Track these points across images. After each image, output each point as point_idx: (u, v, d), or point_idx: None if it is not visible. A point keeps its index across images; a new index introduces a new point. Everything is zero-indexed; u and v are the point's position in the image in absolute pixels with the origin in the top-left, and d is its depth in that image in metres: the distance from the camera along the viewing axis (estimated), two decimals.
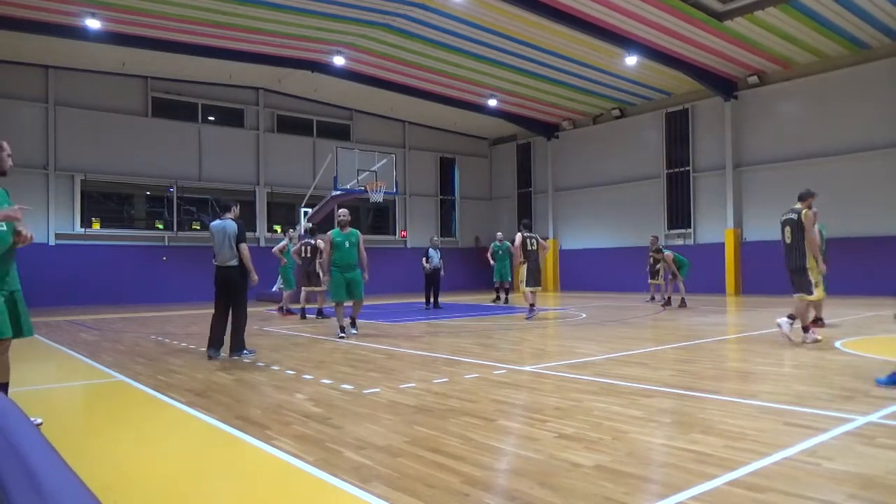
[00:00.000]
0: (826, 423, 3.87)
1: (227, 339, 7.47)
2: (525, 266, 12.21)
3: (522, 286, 12.30)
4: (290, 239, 13.79)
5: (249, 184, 22.29)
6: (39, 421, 4.44)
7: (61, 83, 18.99)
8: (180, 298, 19.84)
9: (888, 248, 16.55)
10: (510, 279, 17.18)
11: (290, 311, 13.72)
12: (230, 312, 7.44)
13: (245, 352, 7.50)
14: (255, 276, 7.46)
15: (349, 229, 9.34)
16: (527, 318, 11.97)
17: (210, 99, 21.67)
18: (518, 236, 12.27)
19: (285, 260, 13.53)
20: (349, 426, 4.07)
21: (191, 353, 7.95)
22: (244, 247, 7.39)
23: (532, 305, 12.26)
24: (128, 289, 19.24)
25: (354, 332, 9.50)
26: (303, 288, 13.13)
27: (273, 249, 13.93)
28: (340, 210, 9.52)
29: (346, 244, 9.21)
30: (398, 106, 23.85)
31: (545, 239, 25.37)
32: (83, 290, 18.55)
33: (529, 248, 12.22)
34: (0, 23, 15.54)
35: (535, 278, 12.22)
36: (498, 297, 17.34)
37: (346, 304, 9.46)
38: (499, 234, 18.28)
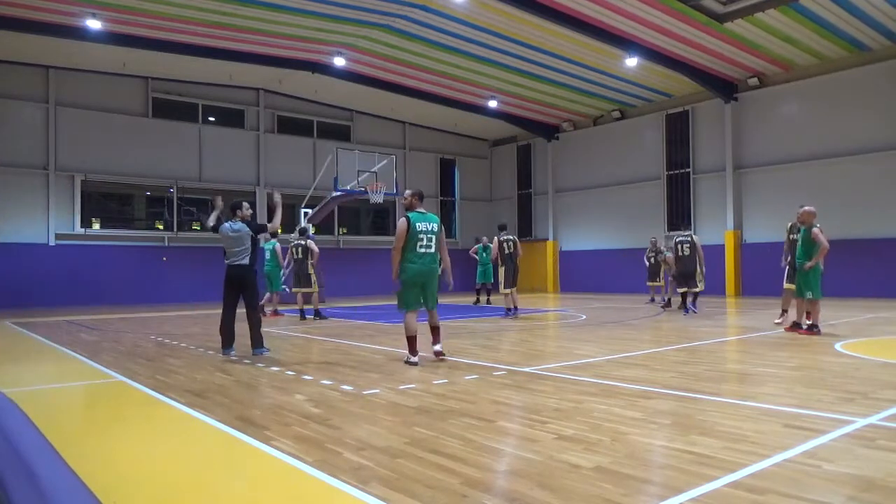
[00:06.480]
0: (826, 425, 3.86)
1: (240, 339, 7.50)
2: (503, 269, 12.70)
3: (502, 287, 12.79)
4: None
5: (249, 184, 22.29)
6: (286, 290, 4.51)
7: (61, 83, 18.98)
8: (180, 299, 19.85)
9: (888, 250, 16.56)
10: (493, 280, 17.35)
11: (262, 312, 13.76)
12: (245, 310, 7.54)
13: (265, 350, 7.58)
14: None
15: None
16: (509, 316, 12.49)
17: (210, 99, 21.67)
18: (495, 240, 12.81)
19: None
20: (348, 427, 4.06)
21: (190, 353, 7.93)
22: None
23: (515, 307, 12.73)
24: (128, 289, 19.23)
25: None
26: (295, 290, 13.12)
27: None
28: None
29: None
30: (398, 107, 23.85)
31: (545, 240, 25.49)
32: (83, 290, 18.54)
33: (507, 251, 12.66)
34: (0, 23, 15.56)
35: (514, 279, 12.70)
36: (478, 300, 17.47)
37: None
38: (484, 237, 18.38)
